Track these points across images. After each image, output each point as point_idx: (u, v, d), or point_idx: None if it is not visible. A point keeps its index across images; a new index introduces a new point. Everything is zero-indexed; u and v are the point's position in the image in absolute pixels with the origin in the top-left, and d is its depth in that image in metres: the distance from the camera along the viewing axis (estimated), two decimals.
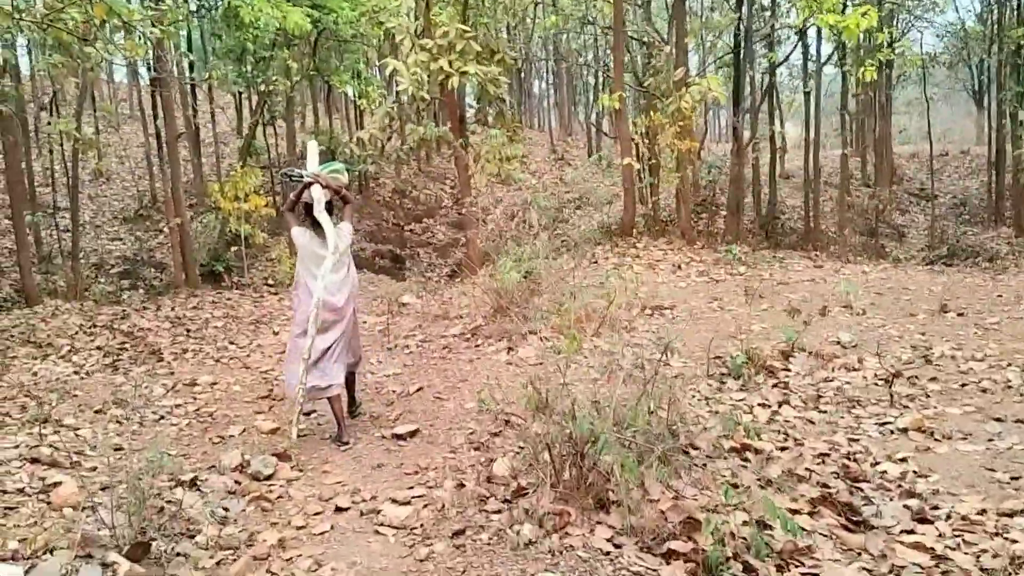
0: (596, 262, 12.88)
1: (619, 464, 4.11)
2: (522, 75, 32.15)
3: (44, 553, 3.82)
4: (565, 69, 33.09)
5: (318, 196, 6.09)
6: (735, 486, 4.70)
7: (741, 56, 17.65)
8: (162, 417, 6.55)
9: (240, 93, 22.31)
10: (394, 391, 7.02)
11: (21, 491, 4.72)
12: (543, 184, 24.99)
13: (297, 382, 5.82)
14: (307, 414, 6.57)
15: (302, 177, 6.19)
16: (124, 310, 12.61)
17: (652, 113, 14.52)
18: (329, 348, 6.02)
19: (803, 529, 4.26)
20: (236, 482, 5.05)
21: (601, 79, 25.84)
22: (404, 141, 24.31)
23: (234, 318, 12.22)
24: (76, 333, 11.16)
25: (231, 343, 10.37)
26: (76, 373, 8.55)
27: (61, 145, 19.40)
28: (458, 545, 3.97)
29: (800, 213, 22.75)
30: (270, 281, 16.29)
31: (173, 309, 12.83)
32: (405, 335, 9.17)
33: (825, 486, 4.89)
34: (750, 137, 17.92)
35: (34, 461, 5.19)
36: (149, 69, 18.26)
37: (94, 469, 5.19)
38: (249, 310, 13.03)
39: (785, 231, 21.47)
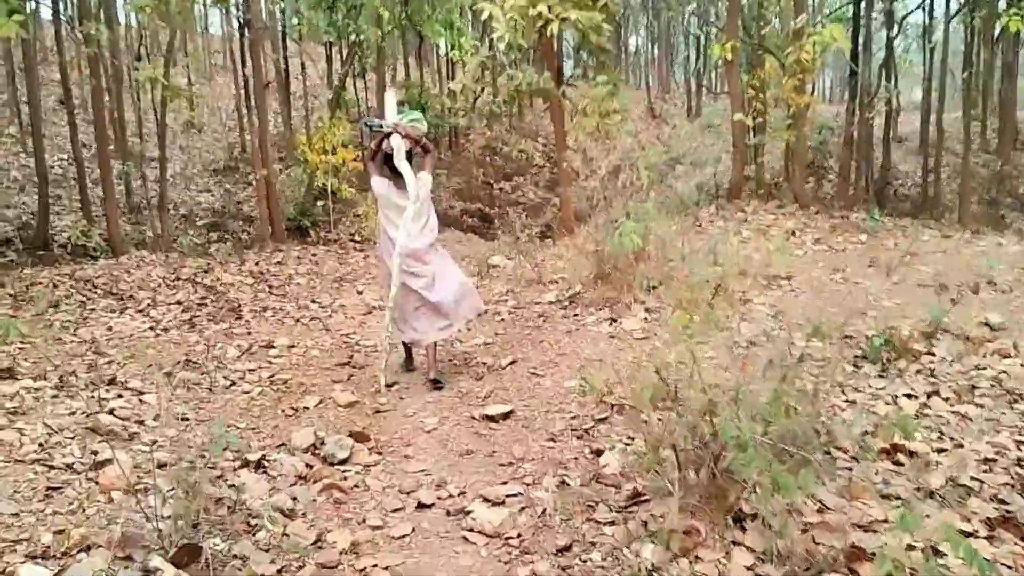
0: (700, 226, 11.95)
1: (765, 474, 3.34)
2: (620, 29, 30.88)
3: (79, 551, 3.26)
4: (664, 23, 31.71)
5: (397, 145, 6.08)
6: (892, 499, 3.89)
7: (862, 6, 16.25)
8: (233, 383, 5.99)
9: (331, 43, 21.81)
10: (484, 363, 6.32)
11: (70, 467, 4.19)
12: (640, 143, 23.91)
13: (387, 331, 6.08)
14: (389, 386, 5.97)
15: (381, 127, 6.19)
16: (208, 263, 12.24)
17: (765, 66, 13.38)
18: (417, 296, 6.12)
19: (985, 559, 3.42)
20: (307, 465, 4.43)
21: (705, 32, 24.51)
22: (497, 94, 23.62)
23: (318, 275, 11.72)
24: (158, 286, 10.81)
25: (313, 301, 9.85)
26: (152, 329, 8.12)
27: (151, 94, 19.24)
28: (565, 567, 3.26)
29: (914, 180, 21.23)
30: (356, 237, 15.80)
31: (257, 264, 12.41)
32: (496, 300, 8.47)
33: (1001, 501, 4.02)
34: (870, 96, 16.55)
35: (90, 431, 4.68)
36: (240, 17, 17.89)
37: (153, 443, 4.64)
38: (333, 267, 12.54)
39: (899, 197, 20.02)
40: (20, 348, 7.02)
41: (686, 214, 11.97)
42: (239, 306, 9.46)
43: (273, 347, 7.13)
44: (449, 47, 19.86)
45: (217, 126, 22.37)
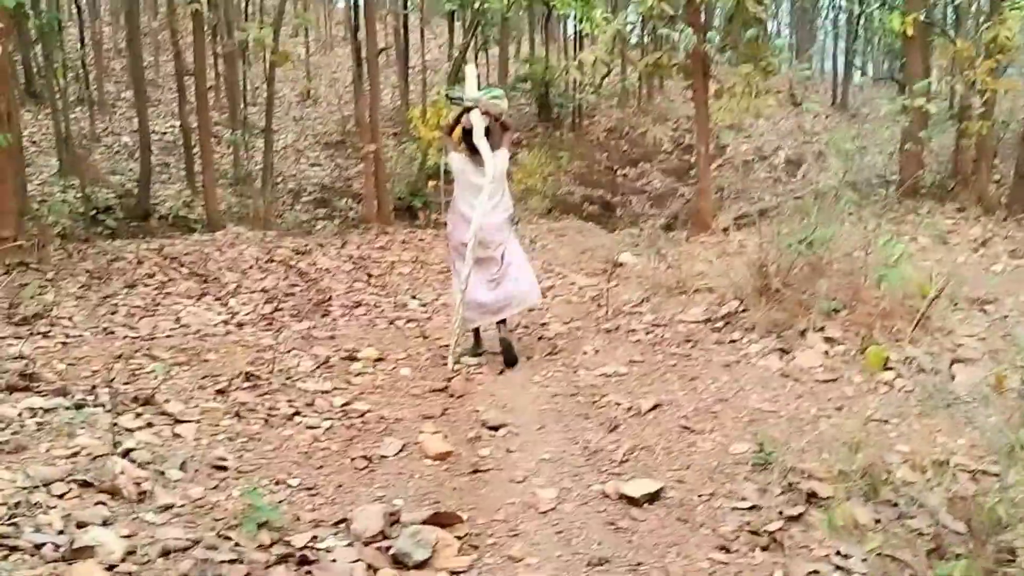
0: (866, 228, 10.07)
1: None
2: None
3: None
4: (806, 4, 29.30)
5: (477, 121, 5.93)
6: None
7: None
8: (297, 412, 4.65)
9: (453, 14, 20.54)
10: (618, 404, 4.81)
11: (38, 550, 2.92)
12: (779, 131, 21.83)
13: (456, 311, 5.88)
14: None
15: (462, 100, 6.07)
16: (307, 244, 11.12)
17: (955, 44, 11.31)
18: (491, 278, 5.97)
19: None
20: (370, 568, 3.05)
21: (863, 8, 22.12)
22: (626, 71, 21.90)
23: (423, 264, 10.40)
24: (249, 267, 9.71)
25: (413, 297, 8.53)
26: (225, 323, 6.95)
27: (265, 63, 18.42)
28: None
29: None
30: None
31: (359, 247, 11.20)
32: (628, 311, 6.93)
33: None
34: None
35: (85, 486, 3.41)
36: None
37: (167, 509, 3.34)
38: (440, 255, 11.19)
39: None
40: (63, 344, 5.91)
41: (846, 215, 10.12)
42: (329, 299, 8.22)
43: (356, 359, 5.78)
44: (578, 20, 18.25)
45: (333, 98, 21.42)
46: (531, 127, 21.27)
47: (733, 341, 5.65)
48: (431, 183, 15.04)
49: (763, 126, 22.10)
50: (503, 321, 6.01)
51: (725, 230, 12.70)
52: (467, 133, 5.98)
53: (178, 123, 17.96)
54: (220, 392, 4.89)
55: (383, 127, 19.37)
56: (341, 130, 19.10)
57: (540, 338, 6.53)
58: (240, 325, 6.87)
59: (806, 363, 5.26)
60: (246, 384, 5.05)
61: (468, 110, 5.97)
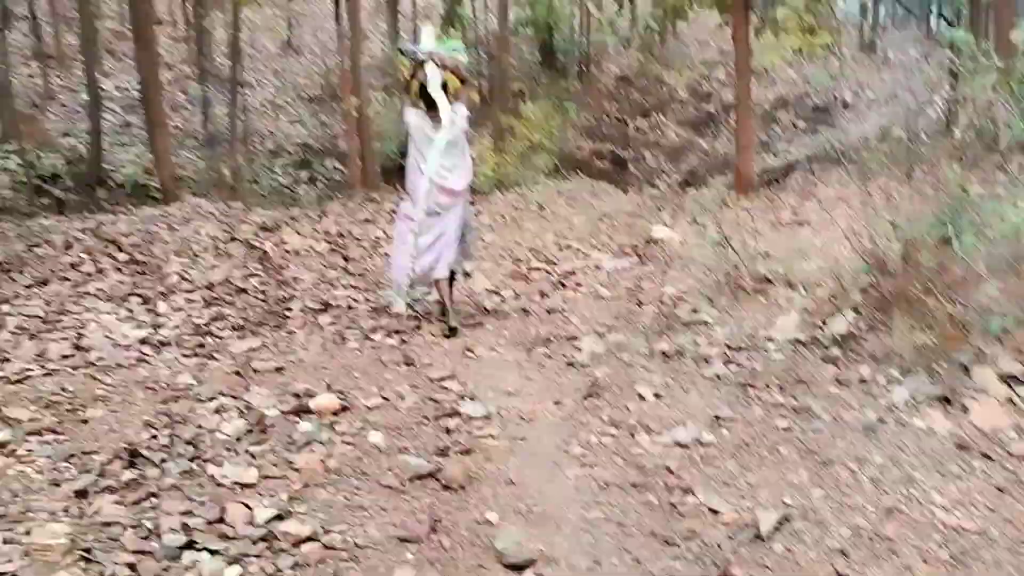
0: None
1: None
2: None
3: None
4: None
5: (431, 74, 5.61)
6: None
7: None
8: (190, 543, 2.77)
9: None
10: (715, 514, 2.88)
11: None
12: (803, 76, 19.64)
13: (404, 270, 5.67)
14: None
15: (415, 54, 5.73)
16: (277, 219, 9.19)
17: None
18: (442, 235, 5.69)
19: None
20: None
21: None
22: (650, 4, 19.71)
23: None
24: (202, 251, 7.79)
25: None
26: (141, 344, 5.04)
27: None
28: None
29: None
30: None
31: (338, 221, 9.28)
32: (686, 318, 5.02)
33: None
34: None
35: None
36: None
37: None
38: None
39: None
40: None
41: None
42: (290, 298, 6.31)
43: (308, 412, 3.88)
44: None
45: (318, 49, 19.28)
46: (534, 76, 19.18)
47: (863, 381, 3.75)
48: None
49: (783, 72, 19.97)
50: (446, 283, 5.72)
51: (769, 186, 10.79)
52: (423, 88, 5.63)
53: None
54: (79, 495, 3.00)
55: (371, 79, 17.29)
56: (325, 83, 17.00)
57: (570, 364, 4.63)
58: (161, 345, 4.97)
59: (987, 422, 3.38)
60: (125, 475, 3.17)
61: (422, 64, 5.62)
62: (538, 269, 7.41)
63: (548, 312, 5.74)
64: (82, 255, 7.43)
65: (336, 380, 4.30)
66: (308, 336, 5.20)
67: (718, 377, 4.04)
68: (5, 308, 5.71)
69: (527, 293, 6.43)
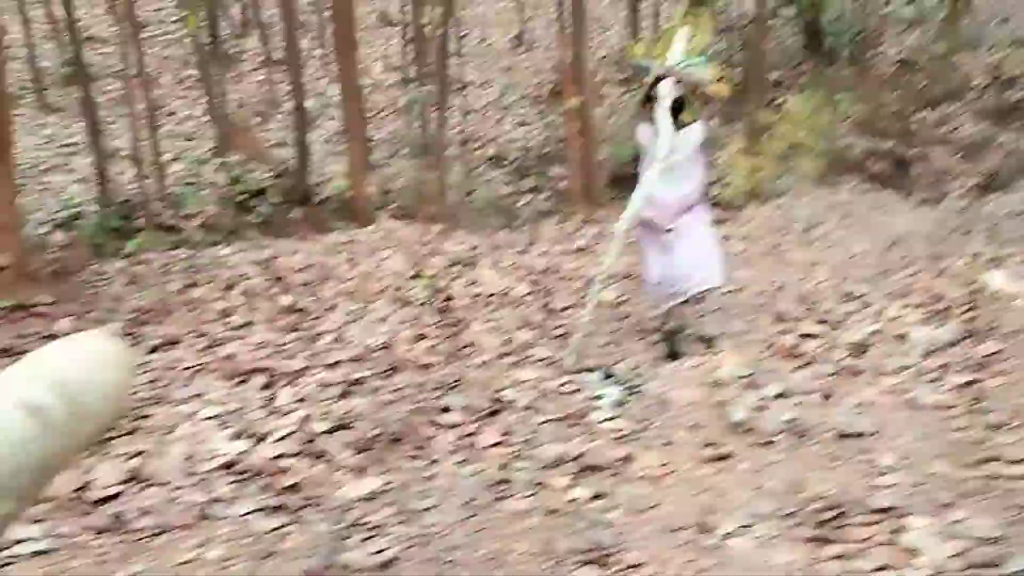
0: None
1: None
2: None
3: None
4: None
5: (664, 93, 5.11)
6: None
7: None
8: None
9: None
10: None
11: None
12: None
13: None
14: None
15: (648, 70, 5.29)
16: (476, 247, 7.58)
17: None
18: (673, 260, 5.29)
19: None
20: None
21: None
22: None
23: (636, 278, 6.45)
24: (376, 295, 6.31)
25: (609, 377, 4.69)
26: (227, 470, 3.47)
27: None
28: None
29: None
30: (716, 199, 10.22)
31: (547, 250, 7.52)
32: None
33: None
34: None
35: None
36: None
37: None
38: None
39: None
40: None
41: None
42: (454, 385, 4.52)
43: None
44: None
45: (552, 42, 17.67)
46: (795, 64, 16.47)
47: None
48: None
49: None
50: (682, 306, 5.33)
51: None
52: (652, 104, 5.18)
53: (372, 81, 15.13)
54: None
55: (607, 74, 15.44)
56: (555, 80, 15.34)
57: (883, 569, 2.48)
58: (242, 480, 3.36)
59: None
60: None
61: (660, 79, 5.15)
62: (811, 336, 5.17)
63: (839, 437, 3.56)
64: (240, 298, 6.18)
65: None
66: (453, 477, 3.38)
67: None
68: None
69: (798, 387, 4.24)
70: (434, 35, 12.80)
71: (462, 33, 16.51)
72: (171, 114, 13.68)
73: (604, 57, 16.04)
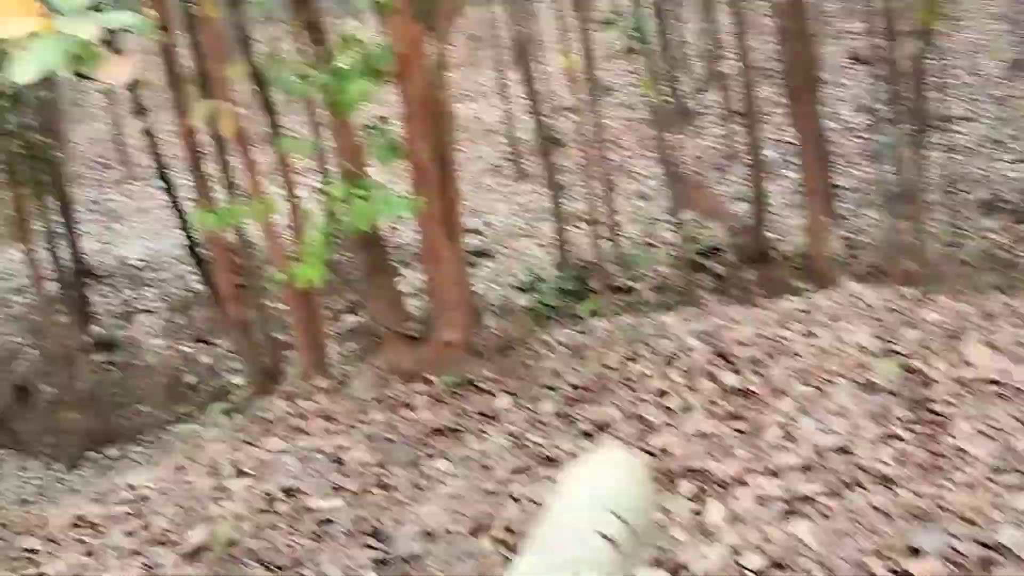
0: None
1: None
2: None
3: None
4: None
5: None
6: None
7: None
8: None
9: None
10: None
11: None
12: None
13: None
14: None
15: None
16: (961, 318, 6.26)
17: None
18: None
19: None
20: None
21: None
22: None
23: None
24: (823, 381, 5.43)
25: None
26: None
27: None
28: None
29: None
30: None
31: None
32: None
33: None
34: None
35: None
36: None
37: None
38: None
39: None
40: None
41: None
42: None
43: None
44: None
45: None
46: None
47: None
48: None
49: None
50: None
51: None
52: None
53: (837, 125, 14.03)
54: None
55: None
56: None
57: None
58: None
59: None
60: None
61: None
62: None
63: None
64: (679, 376, 5.75)
65: None
66: None
67: None
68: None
69: None
70: (910, 68, 11.34)
71: (944, 62, 14.56)
72: (631, 175, 13.95)
73: None
